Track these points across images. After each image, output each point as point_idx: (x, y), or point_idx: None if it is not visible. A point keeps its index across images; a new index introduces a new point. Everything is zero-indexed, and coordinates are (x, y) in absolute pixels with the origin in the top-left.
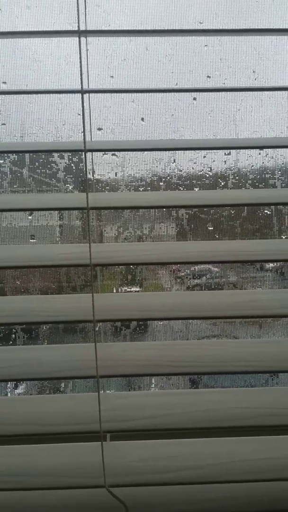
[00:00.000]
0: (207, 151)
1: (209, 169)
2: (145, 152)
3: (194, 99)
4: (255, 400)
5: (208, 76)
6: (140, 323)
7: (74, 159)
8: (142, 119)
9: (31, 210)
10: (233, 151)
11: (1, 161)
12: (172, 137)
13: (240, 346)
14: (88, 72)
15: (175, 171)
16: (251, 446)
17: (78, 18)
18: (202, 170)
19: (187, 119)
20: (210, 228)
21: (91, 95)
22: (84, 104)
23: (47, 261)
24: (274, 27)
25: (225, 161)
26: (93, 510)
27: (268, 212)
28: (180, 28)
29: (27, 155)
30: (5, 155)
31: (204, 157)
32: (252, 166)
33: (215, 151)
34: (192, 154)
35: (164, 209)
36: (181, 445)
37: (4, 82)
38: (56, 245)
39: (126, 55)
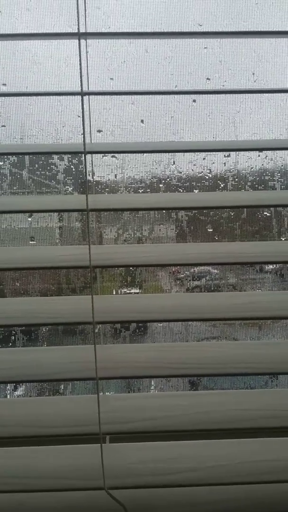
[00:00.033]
0: (206, 153)
1: (208, 171)
2: (145, 154)
3: (194, 101)
4: (254, 402)
5: (207, 78)
6: (140, 325)
7: (74, 161)
8: (142, 121)
9: (31, 212)
10: (232, 153)
11: (1, 163)
12: (171, 139)
13: (240, 348)
14: (88, 74)
15: (175, 173)
16: (251, 448)
17: (78, 20)
18: (202, 172)
19: (187, 121)
20: (210, 230)
21: (91, 97)
22: (84, 106)
23: (46, 263)
24: (274, 30)
25: (224, 163)
26: None
27: (268, 214)
28: (179, 30)
29: (27, 157)
30: (5, 157)
31: (204, 159)
32: (252, 168)
33: (214, 153)
34: (191, 156)
35: (164, 211)
36: (180, 447)
37: (4, 84)
38: (56, 246)
39: (126, 57)
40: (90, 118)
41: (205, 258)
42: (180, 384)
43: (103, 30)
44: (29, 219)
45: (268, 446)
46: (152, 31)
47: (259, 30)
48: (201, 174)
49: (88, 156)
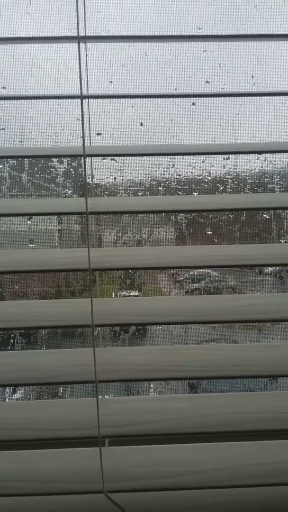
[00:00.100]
0: (206, 156)
1: (208, 174)
2: (144, 157)
3: (193, 104)
4: (254, 405)
5: (207, 81)
6: (139, 327)
7: (73, 164)
8: (141, 124)
9: (30, 215)
10: (232, 156)
11: (1, 166)
12: (171, 142)
13: (239, 351)
14: (87, 77)
15: (174, 175)
16: (251, 450)
17: (78, 24)
18: (201, 174)
19: (186, 124)
20: (209, 233)
21: (91, 100)
22: (84, 109)
23: (46, 266)
24: (273, 33)
25: (224, 166)
26: None
27: (267, 217)
28: (179, 33)
29: (26, 160)
30: (5, 160)
31: (203, 161)
32: (251, 170)
33: (214, 156)
34: (191, 158)
35: (163, 214)
36: (180, 450)
37: (4, 87)
38: (55, 249)
39: (125, 60)
40: (89, 121)
41: (204, 260)
42: (179, 387)
43: (103, 33)
44: (28, 222)
45: (267, 448)
46: (152, 34)
47: (258, 33)
48: (200, 177)
49: (88, 159)
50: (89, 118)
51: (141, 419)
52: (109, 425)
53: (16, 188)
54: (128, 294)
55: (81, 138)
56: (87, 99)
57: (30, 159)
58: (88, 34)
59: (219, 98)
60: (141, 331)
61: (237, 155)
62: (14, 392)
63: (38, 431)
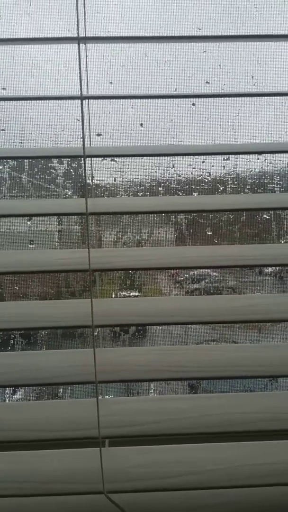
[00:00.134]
0: (206, 156)
1: (208, 174)
2: (144, 158)
3: (193, 104)
4: (254, 405)
5: (207, 82)
6: (139, 328)
7: (73, 165)
8: (141, 124)
9: (30, 216)
10: (232, 156)
11: (1, 167)
12: (171, 142)
13: (239, 351)
14: (87, 78)
15: (174, 176)
16: (251, 451)
17: (78, 24)
18: (201, 175)
19: (186, 125)
20: (209, 233)
21: (91, 101)
22: (84, 110)
23: (46, 267)
24: (273, 33)
25: (224, 166)
26: None
27: (267, 217)
28: (179, 34)
29: (26, 161)
30: (5, 160)
31: (203, 162)
32: (251, 171)
33: (214, 156)
34: (191, 159)
35: (163, 214)
36: (180, 451)
37: (4, 88)
38: (55, 250)
39: (125, 61)
40: (89, 122)
41: (204, 261)
42: (179, 387)
43: (103, 34)
44: (28, 222)
45: (268, 449)
46: (151, 35)
47: (258, 33)
48: (200, 177)
49: (88, 160)
50: (89, 119)
51: (141, 420)
52: (109, 425)
53: (16, 189)
54: (128, 295)
55: (81, 139)
56: (87, 100)
57: (30, 160)
58: (88, 34)
59: (219, 98)
60: (141, 332)
61: (237, 155)
62: (14, 392)
63: (38, 431)
